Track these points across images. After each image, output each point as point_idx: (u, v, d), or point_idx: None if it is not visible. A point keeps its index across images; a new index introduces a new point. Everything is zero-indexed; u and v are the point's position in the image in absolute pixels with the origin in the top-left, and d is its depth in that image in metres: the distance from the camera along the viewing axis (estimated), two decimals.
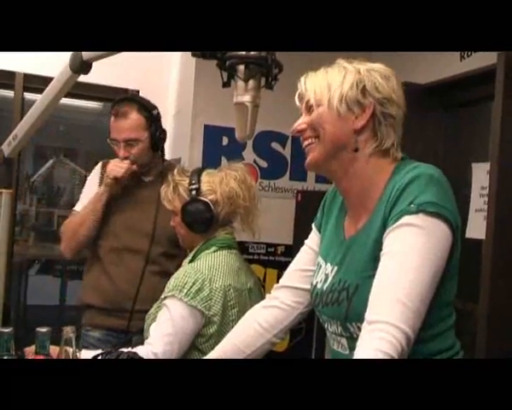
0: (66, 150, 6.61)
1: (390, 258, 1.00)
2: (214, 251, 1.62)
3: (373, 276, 1.01)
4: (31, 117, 1.39)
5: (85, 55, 1.23)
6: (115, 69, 3.06)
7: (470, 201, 2.18)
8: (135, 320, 1.98)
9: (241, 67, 1.09)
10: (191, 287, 1.51)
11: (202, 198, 1.60)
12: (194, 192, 1.61)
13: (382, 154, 1.13)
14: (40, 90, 2.31)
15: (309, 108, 1.15)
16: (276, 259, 2.89)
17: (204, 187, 1.62)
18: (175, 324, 1.50)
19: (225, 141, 2.77)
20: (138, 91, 3.15)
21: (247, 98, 1.11)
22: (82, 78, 2.70)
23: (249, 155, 2.81)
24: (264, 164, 2.85)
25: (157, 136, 2.02)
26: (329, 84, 1.12)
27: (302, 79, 1.16)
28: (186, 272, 1.55)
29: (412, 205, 1.01)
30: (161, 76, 3.24)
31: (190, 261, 1.64)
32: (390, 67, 1.15)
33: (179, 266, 2.04)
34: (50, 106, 1.33)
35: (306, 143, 1.16)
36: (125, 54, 2.97)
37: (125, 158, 2.00)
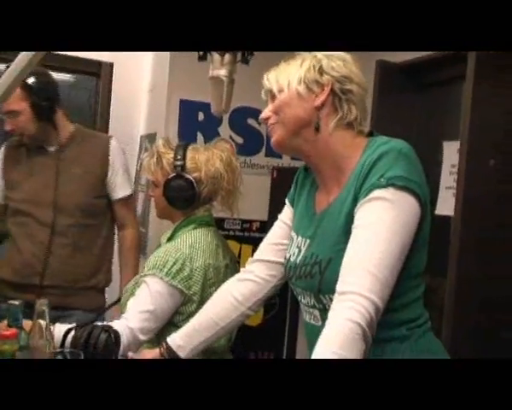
0: None
1: (360, 230, 1.03)
2: (193, 228, 1.63)
3: (345, 249, 1.04)
4: None
5: None
6: None
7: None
8: (45, 296, 1.96)
9: None
10: (172, 266, 1.52)
11: (186, 175, 1.59)
12: (178, 168, 1.60)
13: (346, 127, 1.17)
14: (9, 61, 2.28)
15: (273, 98, 1.21)
16: (252, 235, 2.91)
17: (188, 164, 1.60)
18: (154, 301, 1.51)
19: (201, 116, 2.76)
20: (112, 64, 3.10)
21: (222, 72, 1.11)
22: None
23: (225, 130, 2.80)
24: (239, 140, 2.85)
25: (40, 105, 1.96)
26: (289, 71, 1.18)
27: (265, 75, 1.23)
28: (166, 251, 1.55)
29: (382, 179, 1.04)
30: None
31: (169, 239, 1.64)
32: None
33: (96, 237, 2.08)
34: (18, 77, 1.29)
35: (270, 127, 1.22)
36: None
37: (12, 131, 2.01)
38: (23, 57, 1.26)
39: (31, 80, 1.94)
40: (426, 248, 1.14)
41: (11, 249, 2.05)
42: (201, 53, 1.12)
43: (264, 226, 2.83)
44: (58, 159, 2.03)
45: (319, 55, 1.18)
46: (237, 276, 1.41)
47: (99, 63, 3.09)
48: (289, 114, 1.17)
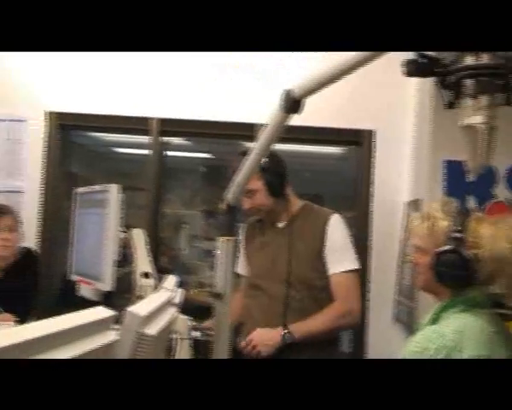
0: (313, 196, 6.84)
1: None
2: (462, 311, 1.38)
3: None
4: (249, 164, 1.39)
5: (297, 93, 1.15)
6: (349, 110, 3.01)
7: None
8: None
9: (468, 80, 0.86)
10: (433, 355, 1.28)
11: (464, 251, 1.36)
12: (455, 241, 1.37)
13: None
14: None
15: None
16: None
17: (469, 237, 1.38)
18: None
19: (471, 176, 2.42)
20: (371, 131, 3.02)
21: (477, 119, 0.86)
22: (317, 122, 2.70)
23: (501, 191, 2.40)
24: None
25: (273, 182, 2.07)
26: None
27: None
28: (428, 336, 1.33)
29: None
30: (397, 112, 3.04)
31: (432, 321, 1.42)
32: None
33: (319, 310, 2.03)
34: (265, 150, 1.32)
35: None
36: (356, 95, 2.91)
37: (249, 209, 2.13)
38: (269, 126, 1.26)
39: (263, 161, 2.04)
40: None
41: (246, 317, 2.16)
42: (449, 100, 0.90)
43: None
44: (286, 234, 2.10)
45: None
46: None
47: (359, 132, 3.05)
48: None
